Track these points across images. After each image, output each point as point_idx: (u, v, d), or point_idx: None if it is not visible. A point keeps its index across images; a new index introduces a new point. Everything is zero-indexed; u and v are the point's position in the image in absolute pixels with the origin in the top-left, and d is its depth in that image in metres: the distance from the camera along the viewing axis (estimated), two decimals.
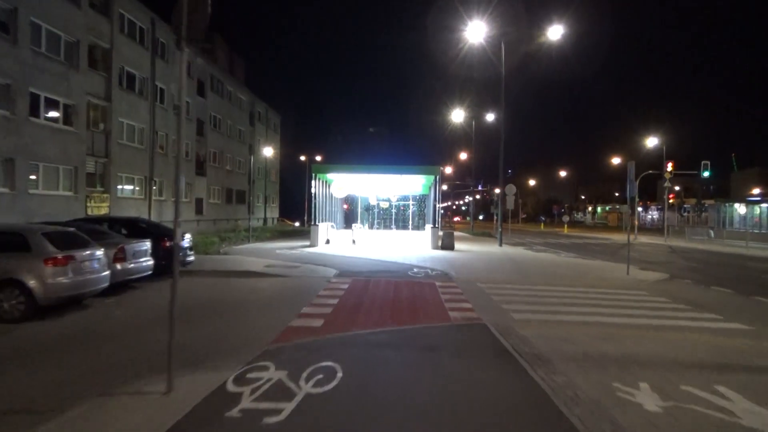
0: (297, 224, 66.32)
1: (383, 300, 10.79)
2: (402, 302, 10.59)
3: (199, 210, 37.93)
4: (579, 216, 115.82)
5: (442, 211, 43.55)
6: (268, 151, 34.66)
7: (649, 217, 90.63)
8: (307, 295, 11.12)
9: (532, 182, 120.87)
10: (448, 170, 70.46)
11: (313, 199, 25.40)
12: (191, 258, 13.74)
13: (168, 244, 12.45)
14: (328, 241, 26.54)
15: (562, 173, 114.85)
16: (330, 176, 26.65)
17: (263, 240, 31.65)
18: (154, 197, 30.56)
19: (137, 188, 29.14)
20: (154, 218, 30.32)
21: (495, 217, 52.38)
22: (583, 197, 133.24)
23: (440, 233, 24.90)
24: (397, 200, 42.23)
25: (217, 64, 43.98)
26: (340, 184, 25.52)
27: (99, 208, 25.03)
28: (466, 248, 25.98)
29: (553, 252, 26.30)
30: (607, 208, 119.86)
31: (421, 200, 39.50)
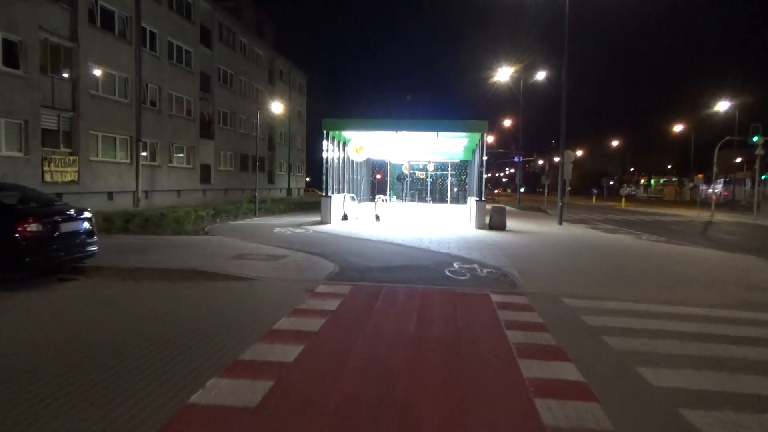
0: None
1: (393, 348, 5.40)
2: (430, 356, 5.19)
3: (205, 178, 33.15)
4: (632, 189, 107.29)
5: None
6: (277, 108, 29.29)
7: (711, 191, 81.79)
8: (252, 330, 5.85)
9: (578, 153, 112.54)
10: (489, 139, 63.97)
11: (324, 163, 20.04)
12: (92, 248, 8.60)
13: (33, 228, 7.26)
14: (345, 217, 21.27)
15: (614, 143, 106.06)
16: (347, 135, 21.20)
17: (274, 213, 26.71)
18: (143, 162, 25.77)
19: (120, 151, 24.35)
20: (145, 187, 25.64)
21: (545, 190, 46.24)
22: (632, 169, 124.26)
23: (488, 207, 19.30)
24: (435, 169, 36.64)
25: (243, 23, 38.72)
26: (357, 145, 20.04)
27: (63, 173, 20.30)
28: (520, 227, 20.29)
29: (629, 233, 20.46)
30: (661, 180, 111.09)
31: (462, 167, 33.86)
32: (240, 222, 20.73)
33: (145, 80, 25.88)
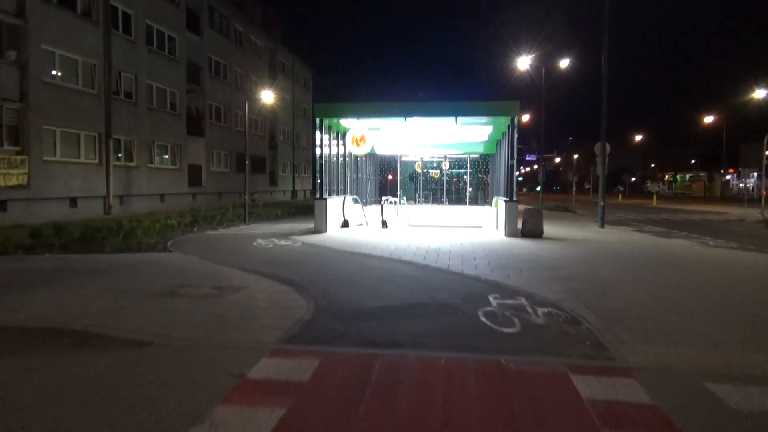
0: None
1: None
2: None
3: (195, 181, 29.76)
4: (658, 185, 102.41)
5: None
6: (267, 97, 25.52)
7: (742, 185, 76.70)
8: None
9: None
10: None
11: (318, 159, 16.52)
12: None
13: None
14: (345, 224, 17.72)
15: (636, 138, 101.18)
16: (345, 124, 17.60)
17: (269, 219, 23.39)
18: (115, 162, 22.41)
19: (86, 149, 20.98)
20: (118, 192, 22.28)
21: (573, 188, 42.38)
22: (652, 165, 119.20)
23: (520, 209, 15.60)
24: (450, 167, 32.97)
25: (239, 10, 35.35)
26: (358, 135, 16.40)
27: (7, 176, 16.97)
28: (558, 233, 16.60)
29: (689, 237, 16.75)
30: (687, 176, 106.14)
31: (481, 164, 30.12)
32: (221, 231, 17.36)
33: (117, 68, 22.53)
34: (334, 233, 15.89)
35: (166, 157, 26.89)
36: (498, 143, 21.19)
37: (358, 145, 16.20)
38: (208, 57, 31.60)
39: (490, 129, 17.21)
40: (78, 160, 20.41)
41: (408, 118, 16.27)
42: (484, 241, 14.15)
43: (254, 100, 34.93)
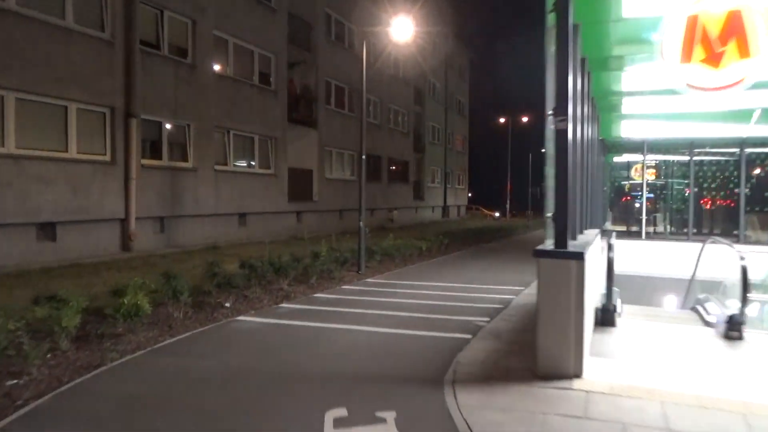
0: (497, 215, 47.19)
1: None
2: None
3: (301, 193, 19.93)
4: None
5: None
6: (401, 30, 13.52)
7: None
8: None
9: None
10: None
11: (554, 135, 4.91)
12: None
13: None
14: (608, 319, 6.09)
15: None
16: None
17: (404, 261, 12.97)
18: (146, 161, 13.06)
19: (78, 136, 11.70)
20: (152, 210, 12.94)
21: None
22: None
23: None
24: (663, 173, 19.97)
25: None
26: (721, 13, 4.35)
27: None
28: None
29: None
30: None
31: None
32: (280, 322, 6.86)
33: (154, 3, 13.27)
34: (601, 382, 4.39)
35: (252, 156, 17.30)
36: None
37: (715, 59, 4.35)
38: (325, 13, 21.75)
39: None
40: (60, 155, 11.17)
41: None
42: None
43: (396, 84, 24.64)
